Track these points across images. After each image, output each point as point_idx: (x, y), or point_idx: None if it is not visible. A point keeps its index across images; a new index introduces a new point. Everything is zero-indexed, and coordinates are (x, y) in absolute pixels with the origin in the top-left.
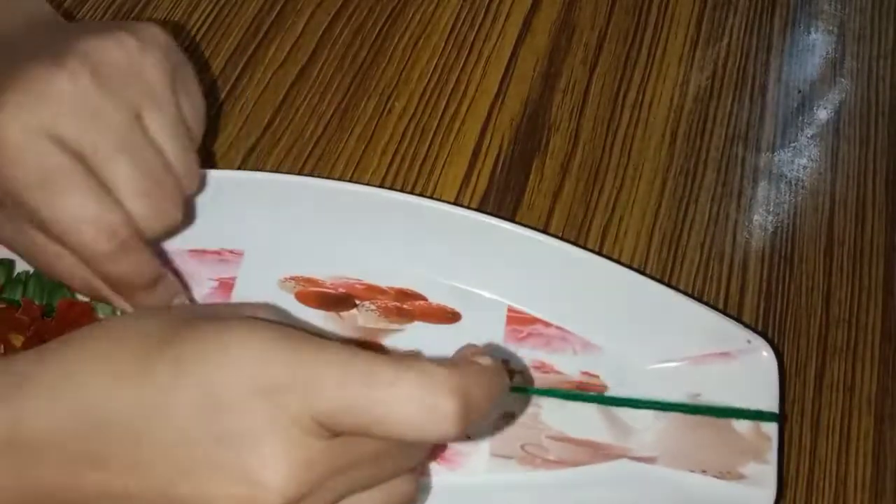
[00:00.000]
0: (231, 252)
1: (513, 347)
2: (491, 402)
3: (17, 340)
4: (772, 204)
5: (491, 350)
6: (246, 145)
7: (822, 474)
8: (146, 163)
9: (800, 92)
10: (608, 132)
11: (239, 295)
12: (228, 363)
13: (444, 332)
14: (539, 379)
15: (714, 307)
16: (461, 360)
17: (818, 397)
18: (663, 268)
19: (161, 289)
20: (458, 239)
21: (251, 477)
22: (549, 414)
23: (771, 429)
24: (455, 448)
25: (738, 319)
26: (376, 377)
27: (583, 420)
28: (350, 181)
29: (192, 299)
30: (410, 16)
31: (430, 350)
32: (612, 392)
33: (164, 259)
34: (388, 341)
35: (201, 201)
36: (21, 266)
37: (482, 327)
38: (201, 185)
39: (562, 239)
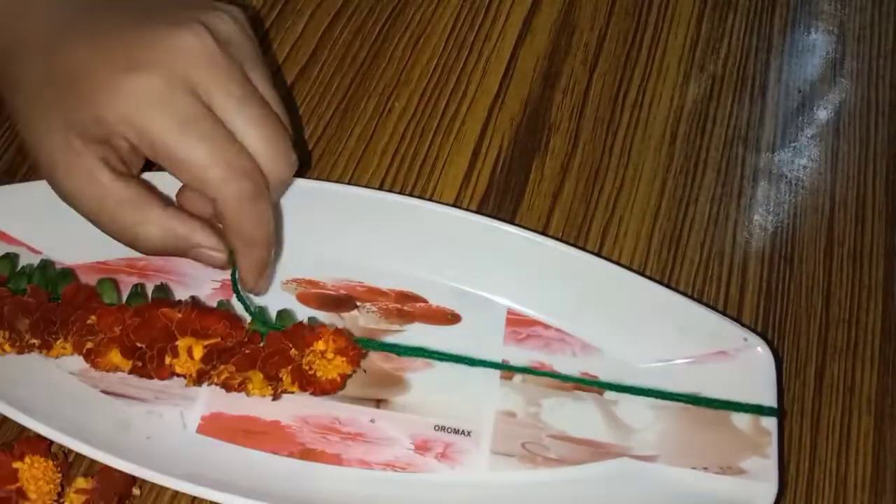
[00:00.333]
0: None
1: (513, 349)
2: None
3: (23, 325)
4: (772, 204)
5: None
6: None
7: (822, 474)
8: (265, 113)
9: (800, 92)
10: (608, 132)
11: None
12: None
13: (444, 334)
14: (539, 379)
15: (714, 307)
16: None
17: (818, 397)
18: (663, 268)
19: (269, 253)
20: (458, 241)
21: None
22: (549, 413)
23: (770, 423)
24: (456, 446)
25: (737, 319)
26: None
27: (583, 419)
28: (350, 181)
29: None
30: (410, 16)
31: None
32: (610, 394)
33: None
34: (389, 342)
35: None
36: (25, 259)
37: (482, 329)
38: None
39: (561, 240)
